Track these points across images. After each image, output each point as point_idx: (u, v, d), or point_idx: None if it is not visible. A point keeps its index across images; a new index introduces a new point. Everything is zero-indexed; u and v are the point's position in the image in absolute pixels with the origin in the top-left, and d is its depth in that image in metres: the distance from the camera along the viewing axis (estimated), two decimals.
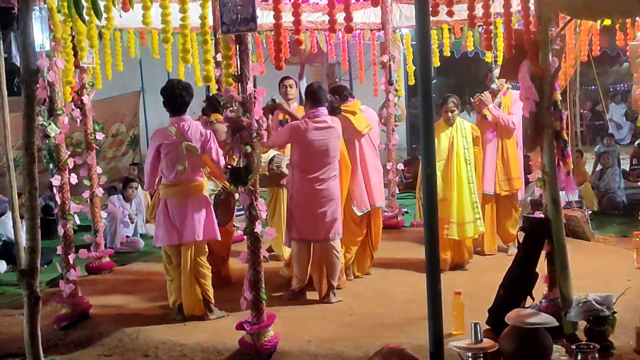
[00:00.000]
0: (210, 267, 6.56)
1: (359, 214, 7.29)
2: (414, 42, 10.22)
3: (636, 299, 5.97)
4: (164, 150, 6.35)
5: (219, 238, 6.64)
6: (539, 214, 5.86)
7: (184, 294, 6.39)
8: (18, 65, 7.67)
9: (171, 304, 6.52)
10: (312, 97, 6.80)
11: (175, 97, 6.39)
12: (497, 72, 7.87)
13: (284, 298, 6.86)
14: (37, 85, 4.86)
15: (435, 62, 10.49)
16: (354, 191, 7.27)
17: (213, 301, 6.47)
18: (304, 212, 6.69)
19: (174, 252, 6.43)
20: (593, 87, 17.12)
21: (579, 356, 4.91)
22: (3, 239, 9.28)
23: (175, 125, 6.36)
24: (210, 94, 9.44)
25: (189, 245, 6.36)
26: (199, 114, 7.44)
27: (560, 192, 5.64)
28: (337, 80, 15.14)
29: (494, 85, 8.14)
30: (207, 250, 6.55)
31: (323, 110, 6.77)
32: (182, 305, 6.43)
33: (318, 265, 6.78)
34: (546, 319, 5.17)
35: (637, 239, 7.55)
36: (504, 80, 7.97)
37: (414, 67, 10.37)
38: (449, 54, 10.39)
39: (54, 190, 6.38)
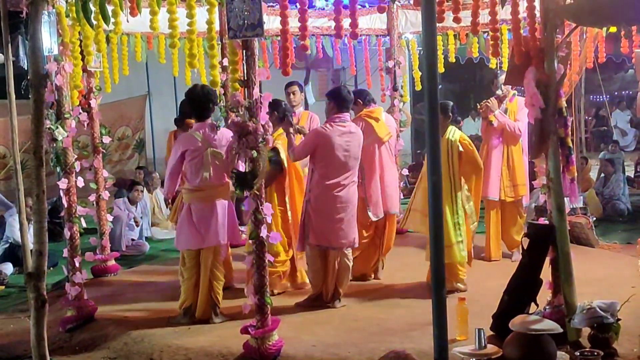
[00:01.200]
0: (223, 271, 6.62)
1: (374, 219, 7.35)
2: (420, 48, 10.32)
3: None
4: (189, 156, 6.37)
5: (240, 242, 6.83)
6: (544, 221, 5.87)
7: (200, 296, 6.44)
8: (25, 68, 7.74)
9: (179, 305, 6.54)
10: (339, 102, 6.74)
11: (200, 102, 6.43)
12: (502, 78, 7.89)
13: (300, 305, 6.82)
14: (46, 89, 4.90)
15: (440, 68, 10.48)
16: (371, 197, 7.32)
17: (220, 305, 6.52)
18: (322, 217, 6.63)
19: (192, 255, 6.47)
20: (598, 96, 17.10)
21: None
22: (10, 241, 9.32)
23: (201, 131, 6.41)
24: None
25: (211, 249, 6.43)
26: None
27: (565, 198, 5.66)
28: (342, 85, 15.16)
29: (499, 92, 8.15)
30: (222, 252, 6.62)
31: (347, 115, 6.78)
32: (189, 307, 6.46)
33: (329, 271, 6.76)
34: (550, 326, 5.18)
35: None
36: (510, 86, 7.98)
37: (420, 73, 10.41)
38: (454, 60, 10.41)
39: (61, 193, 6.43)
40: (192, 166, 6.38)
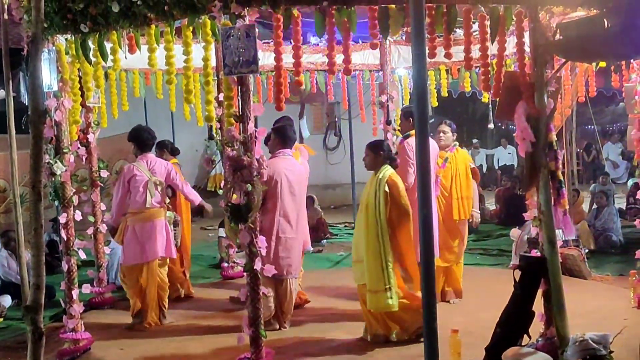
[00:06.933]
0: (168, 282, 7.78)
1: None
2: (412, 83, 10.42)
3: (633, 338, 5.94)
4: (133, 183, 7.49)
5: (174, 256, 7.87)
6: (536, 253, 5.93)
7: (151, 303, 7.48)
8: (26, 104, 7.83)
9: (131, 312, 7.58)
10: (284, 138, 7.34)
11: (143, 139, 7.76)
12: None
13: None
14: (45, 125, 4.98)
15: (433, 102, 10.61)
16: None
17: (167, 309, 7.69)
18: (269, 248, 6.81)
19: (136, 268, 7.49)
20: (590, 126, 17.26)
21: None
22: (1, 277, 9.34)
23: (143, 162, 7.62)
24: (213, 133, 9.76)
25: (155, 261, 7.53)
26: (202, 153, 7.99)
27: (558, 231, 5.72)
28: (337, 119, 15.28)
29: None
30: (165, 265, 7.75)
31: (289, 151, 7.37)
32: (140, 311, 7.51)
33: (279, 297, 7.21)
34: (543, 358, 5.23)
35: (634, 278, 7.59)
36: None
37: None
38: (446, 94, 10.51)
39: (60, 226, 6.51)
40: (137, 192, 7.49)
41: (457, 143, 8.42)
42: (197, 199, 8.28)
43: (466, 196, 8.12)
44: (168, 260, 7.88)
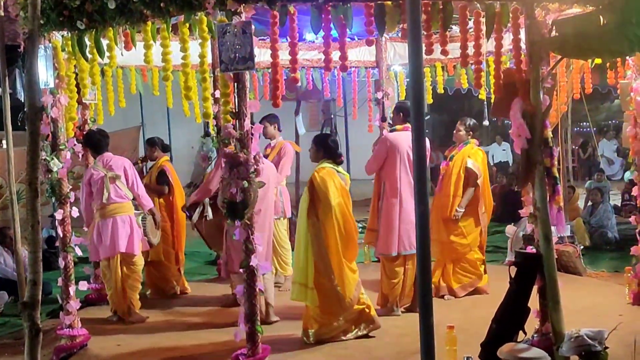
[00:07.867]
0: (140, 279, 7.86)
1: None
2: (407, 79, 10.41)
3: (628, 334, 5.97)
4: (93, 182, 7.58)
5: (137, 253, 7.71)
6: (531, 249, 5.95)
7: (115, 298, 7.68)
8: (22, 100, 7.85)
9: (112, 309, 7.82)
10: None
11: (97, 142, 7.83)
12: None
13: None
14: (41, 121, 4.98)
15: (429, 99, 10.62)
16: None
17: (135, 307, 7.76)
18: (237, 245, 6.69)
19: (105, 266, 7.71)
20: (585, 123, 17.27)
21: None
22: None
23: (100, 162, 7.69)
24: (209, 130, 9.77)
25: (116, 258, 7.59)
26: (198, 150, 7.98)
27: (553, 227, 5.74)
28: (332, 116, 15.25)
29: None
30: (136, 262, 7.74)
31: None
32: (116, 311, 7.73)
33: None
34: (538, 354, 5.23)
35: (629, 274, 7.62)
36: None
37: None
38: (442, 91, 10.51)
39: (56, 223, 6.51)
40: (97, 189, 7.59)
41: (471, 141, 8.35)
42: (149, 204, 8.08)
43: (452, 194, 8.10)
44: (137, 257, 7.77)
